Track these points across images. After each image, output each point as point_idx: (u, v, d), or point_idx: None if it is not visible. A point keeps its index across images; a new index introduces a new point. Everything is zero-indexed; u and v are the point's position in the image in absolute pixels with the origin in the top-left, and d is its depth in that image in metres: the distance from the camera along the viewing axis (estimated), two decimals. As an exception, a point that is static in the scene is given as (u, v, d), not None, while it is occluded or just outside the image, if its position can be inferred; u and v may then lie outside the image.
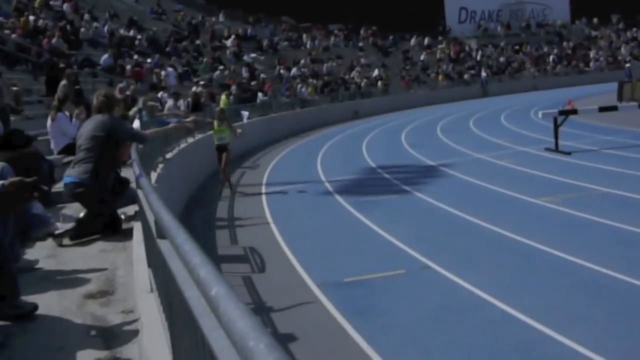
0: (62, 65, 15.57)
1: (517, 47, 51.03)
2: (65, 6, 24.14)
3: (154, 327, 2.89)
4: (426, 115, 29.15)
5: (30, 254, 4.66)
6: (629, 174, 11.05)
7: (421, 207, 9.89)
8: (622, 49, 52.73)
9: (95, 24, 23.55)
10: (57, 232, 5.00)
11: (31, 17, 19.57)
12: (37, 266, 4.37)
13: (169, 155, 10.33)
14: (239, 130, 12.24)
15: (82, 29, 22.27)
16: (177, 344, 2.23)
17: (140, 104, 11.95)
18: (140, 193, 3.87)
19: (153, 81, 20.26)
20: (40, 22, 19.83)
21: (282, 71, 31.18)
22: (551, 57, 49.85)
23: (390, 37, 46.61)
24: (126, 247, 4.84)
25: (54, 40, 18.42)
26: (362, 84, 34.90)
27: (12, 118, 8.79)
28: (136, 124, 9.00)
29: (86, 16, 23.81)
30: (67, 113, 9.00)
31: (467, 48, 49.13)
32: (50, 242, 5.00)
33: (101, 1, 28.52)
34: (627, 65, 42.69)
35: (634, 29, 55.53)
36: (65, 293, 3.81)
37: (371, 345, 4.79)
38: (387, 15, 49.15)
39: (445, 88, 40.81)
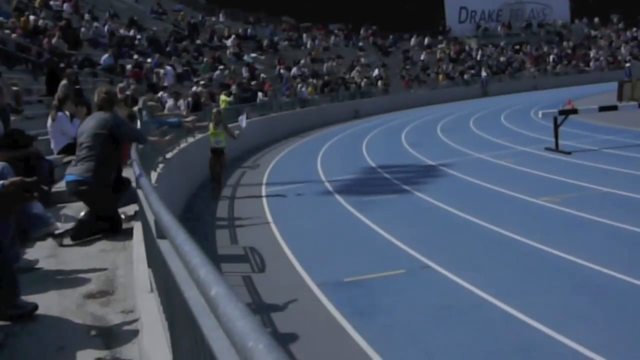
0: (62, 65, 15.57)
1: (517, 47, 50.98)
2: (65, 6, 24.15)
3: (154, 327, 2.89)
4: (426, 115, 29.14)
5: (30, 254, 4.66)
6: (629, 173, 11.05)
7: (421, 206, 9.89)
8: (622, 48, 52.71)
9: (95, 23, 23.55)
10: (57, 232, 5.00)
11: (31, 17, 19.61)
12: (37, 266, 4.37)
13: (169, 155, 10.32)
14: (236, 132, 12.21)
15: (82, 29, 22.28)
16: (177, 344, 2.23)
17: (140, 104, 11.93)
18: (140, 193, 3.87)
19: (152, 81, 20.24)
20: (41, 22, 19.87)
21: (282, 71, 31.17)
22: (551, 57, 49.81)
23: (390, 37, 46.58)
24: (126, 247, 4.84)
25: (54, 40, 18.44)
26: (362, 84, 34.88)
27: (12, 118, 8.79)
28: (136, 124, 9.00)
29: (86, 16, 23.80)
30: (67, 113, 8.99)
31: (467, 48, 49.09)
32: (50, 242, 5.00)
33: (101, 1, 28.51)
34: (627, 64, 42.73)
35: (634, 29, 55.51)
36: (65, 293, 3.81)
37: (371, 345, 4.79)
38: (387, 15, 49.03)
39: (445, 88, 40.79)
